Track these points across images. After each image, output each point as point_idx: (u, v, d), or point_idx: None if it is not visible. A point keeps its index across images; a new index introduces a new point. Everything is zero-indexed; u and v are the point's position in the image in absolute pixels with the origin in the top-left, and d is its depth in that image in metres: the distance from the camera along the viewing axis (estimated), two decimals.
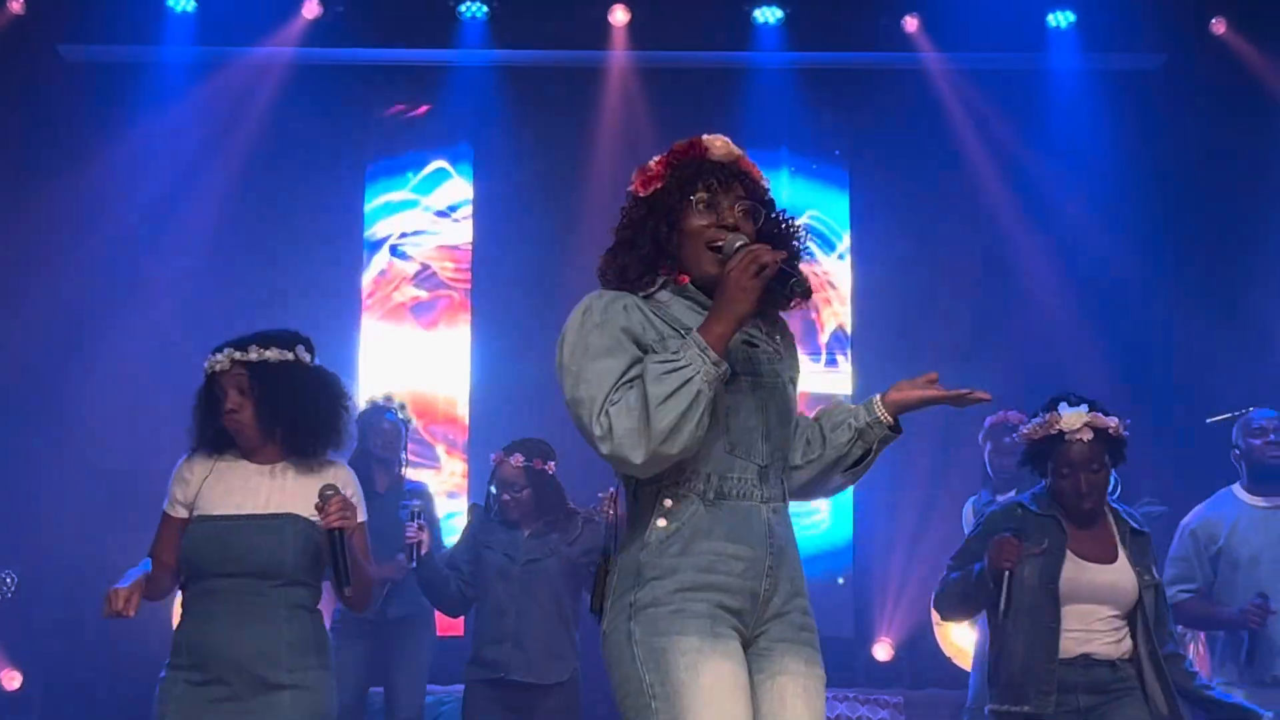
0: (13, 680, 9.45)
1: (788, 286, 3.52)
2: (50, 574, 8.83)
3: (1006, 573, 5.33)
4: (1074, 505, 5.51)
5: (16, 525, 8.85)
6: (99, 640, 9.04)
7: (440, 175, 10.43)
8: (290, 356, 5.03)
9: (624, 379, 3.44)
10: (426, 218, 10.43)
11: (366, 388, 9.66)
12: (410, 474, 8.16)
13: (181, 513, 4.97)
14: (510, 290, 10.13)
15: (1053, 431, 5.52)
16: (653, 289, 3.66)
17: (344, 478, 5.04)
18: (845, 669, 9.82)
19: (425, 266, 10.39)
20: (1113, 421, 5.53)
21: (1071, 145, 9.88)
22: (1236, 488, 7.03)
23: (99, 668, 9.26)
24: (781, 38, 9.80)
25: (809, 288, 3.56)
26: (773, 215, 3.74)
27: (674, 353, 3.42)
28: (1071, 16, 9.82)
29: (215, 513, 4.91)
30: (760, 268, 3.45)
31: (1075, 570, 5.42)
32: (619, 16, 9.80)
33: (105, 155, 9.71)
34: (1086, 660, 5.39)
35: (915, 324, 10.04)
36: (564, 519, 7.15)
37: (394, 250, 10.36)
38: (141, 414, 9.08)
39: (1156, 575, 5.55)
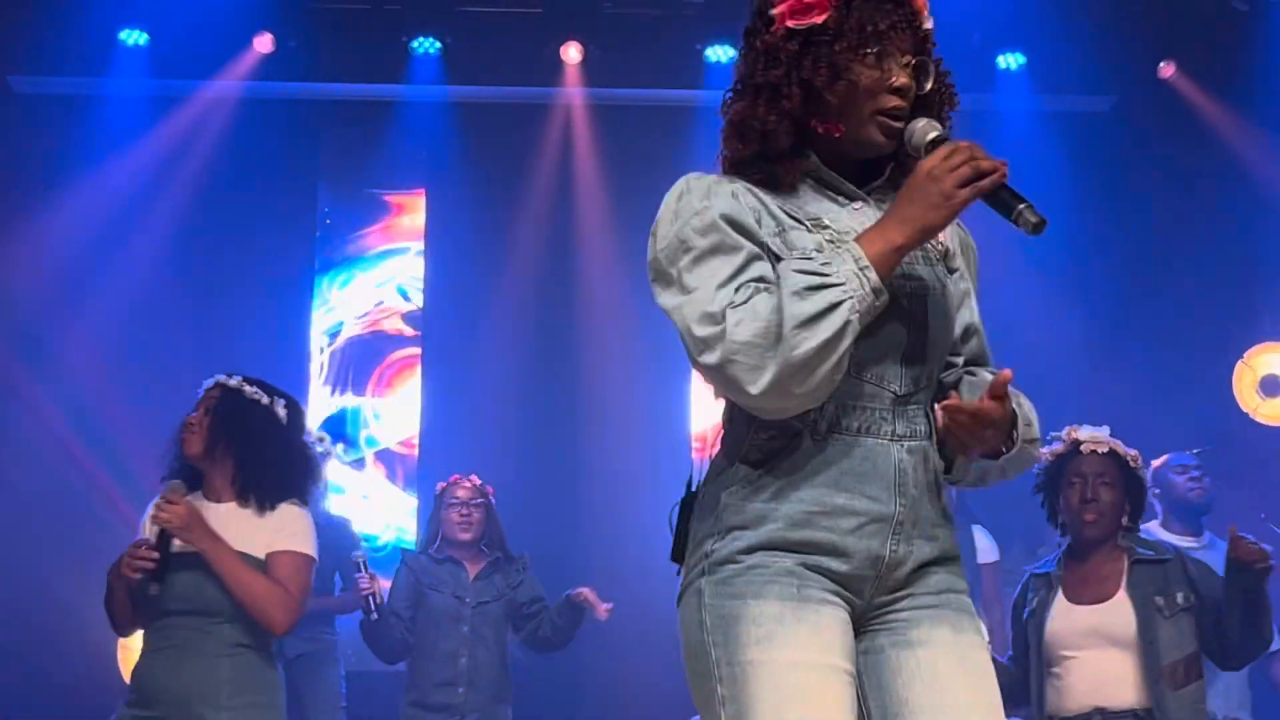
0: None
1: (1013, 214, 2.71)
2: None
3: None
4: (1076, 520, 5.29)
5: None
6: (47, 674, 8.97)
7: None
8: (265, 400, 5.11)
9: (739, 277, 2.71)
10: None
11: (316, 414, 9.74)
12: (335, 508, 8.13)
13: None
14: (461, 325, 10.13)
15: (1070, 444, 5.39)
16: (785, 163, 2.87)
17: (293, 514, 5.07)
18: None
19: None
20: (1133, 451, 5.39)
21: (1020, 184, 9.90)
22: (1155, 525, 7.06)
23: (48, 702, 9.17)
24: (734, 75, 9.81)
25: (1042, 218, 2.72)
26: (940, 73, 2.92)
27: (823, 263, 2.68)
28: (1022, 58, 9.87)
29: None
30: (977, 175, 2.70)
31: (1062, 618, 5.20)
32: (572, 54, 9.81)
33: (56, 188, 9.66)
34: (1103, 714, 5.13)
35: None
36: (504, 561, 7.22)
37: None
38: (85, 446, 9.06)
39: (1188, 600, 5.18)
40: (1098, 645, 5.17)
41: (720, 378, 2.67)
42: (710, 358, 2.66)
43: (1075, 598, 5.25)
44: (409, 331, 10.32)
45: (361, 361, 10.28)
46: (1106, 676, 5.16)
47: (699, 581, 2.79)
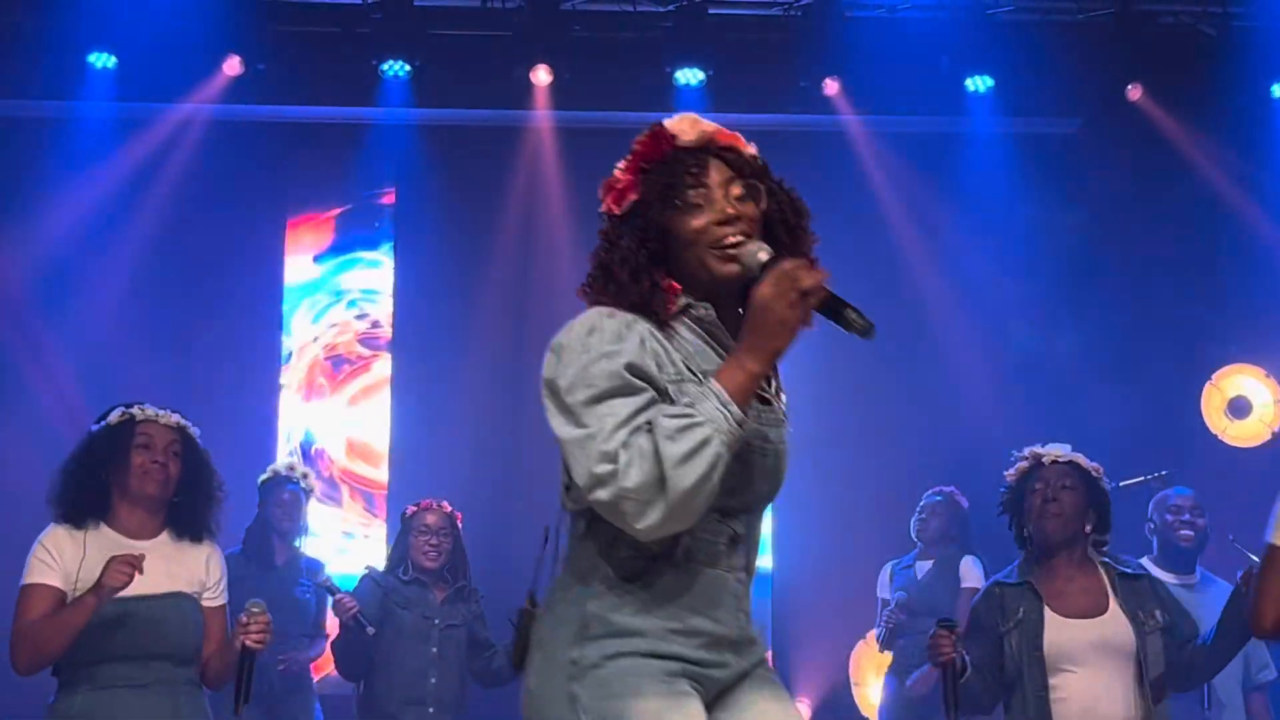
0: None
1: (843, 319, 2.90)
2: None
3: (943, 669, 5.07)
4: (1040, 522, 5.32)
5: None
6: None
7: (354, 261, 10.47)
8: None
9: (636, 419, 2.85)
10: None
11: (284, 451, 9.70)
12: (309, 549, 8.06)
13: (62, 584, 4.79)
14: (430, 349, 10.11)
15: (1033, 460, 5.45)
16: (666, 310, 3.04)
17: (215, 559, 5.07)
18: None
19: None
20: (1094, 465, 5.44)
21: (989, 206, 9.96)
22: (1146, 561, 7.07)
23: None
24: (703, 99, 9.83)
25: (869, 321, 2.92)
26: (775, 188, 3.16)
27: (688, 404, 2.85)
28: (990, 81, 9.88)
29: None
30: (801, 293, 2.87)
31: (1059, 630, 5.18)
32: (541, 76, 9.81)
33: (25, 210, 9.65)
34: None
35: (838, 385, 10.03)
36: (468, 591, 7.20)
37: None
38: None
39: (1163, 618, 5.25)
40: (1098, 659, 5.17)
41: (609, 512, 2.86)
42: (602, 494, 2.83)
43: (1063, 611, 5.24)
44: (367, 353, 10.29)
45: (326, 385, 10.24)
46: (1100, 690, 5.15)
47: (568, 685, 2.96)
